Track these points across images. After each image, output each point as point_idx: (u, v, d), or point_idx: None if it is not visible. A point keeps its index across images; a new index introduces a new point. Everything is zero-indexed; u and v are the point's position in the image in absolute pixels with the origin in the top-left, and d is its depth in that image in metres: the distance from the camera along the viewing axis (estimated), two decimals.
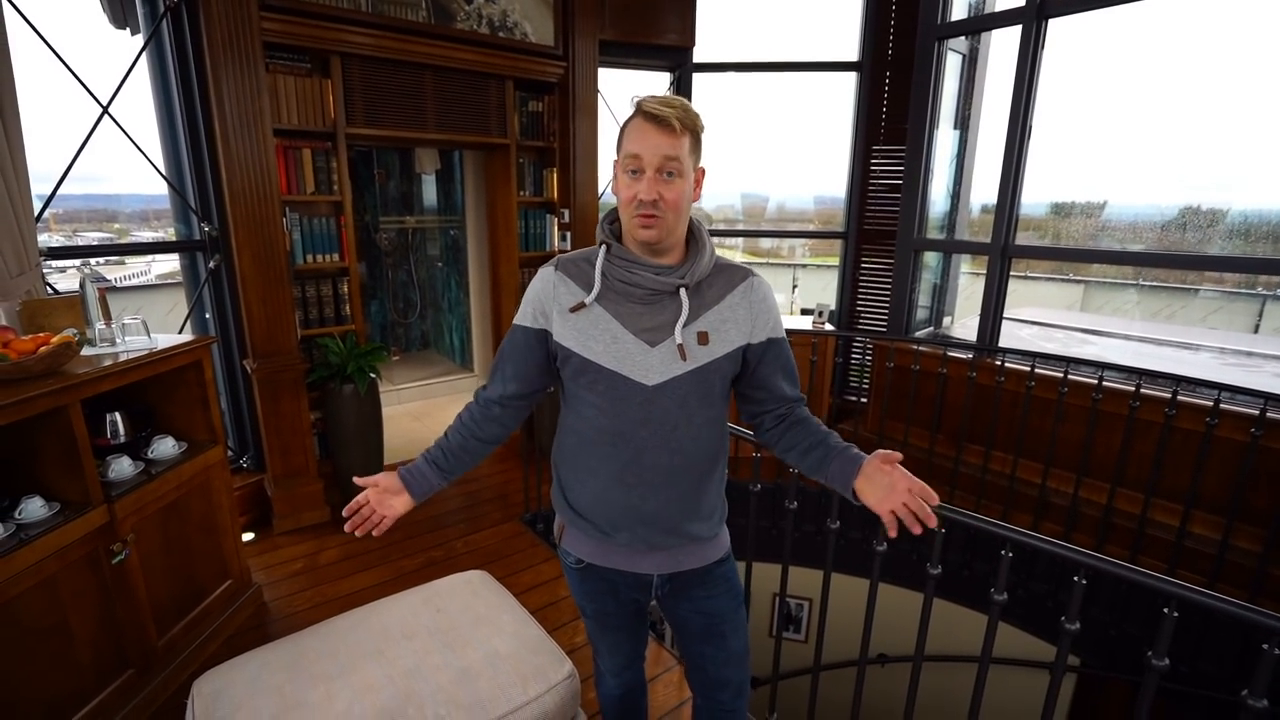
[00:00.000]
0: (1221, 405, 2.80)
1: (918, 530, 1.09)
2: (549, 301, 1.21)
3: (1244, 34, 3.50)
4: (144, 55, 2.75)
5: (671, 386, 1.16)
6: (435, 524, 3.22)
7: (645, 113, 1.09)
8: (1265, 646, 1.05)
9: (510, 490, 3.55)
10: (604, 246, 1.20)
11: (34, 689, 1.67)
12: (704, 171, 1.20)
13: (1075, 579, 1.26)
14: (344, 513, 1.30)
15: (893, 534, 1.12)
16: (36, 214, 2.30)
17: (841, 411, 4.54)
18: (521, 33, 3.50)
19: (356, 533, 1.30)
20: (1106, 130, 4.28)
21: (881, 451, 1.15)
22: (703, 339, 1.16)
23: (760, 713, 2.09)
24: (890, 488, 1.10)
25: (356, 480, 1.32)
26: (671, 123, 1.07)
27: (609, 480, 1.22)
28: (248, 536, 3.00)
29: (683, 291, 1.16)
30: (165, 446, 2.16)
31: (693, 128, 1.11)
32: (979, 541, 3.43)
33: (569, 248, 3.96)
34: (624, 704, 1.58)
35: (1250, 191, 3.73)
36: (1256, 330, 5.47)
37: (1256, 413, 2.72)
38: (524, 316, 1.25)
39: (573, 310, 1.18)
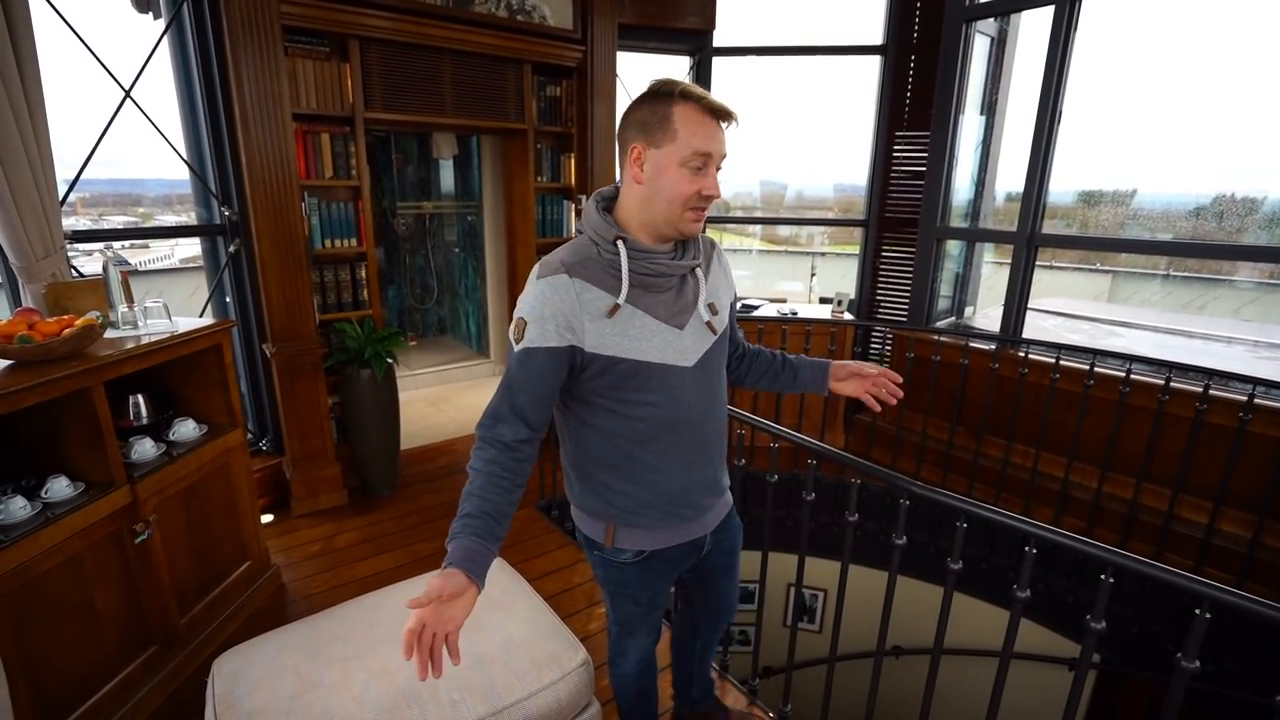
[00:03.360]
0: (1256, 400, 2.72)
1: (892, 403, 1.39)
2: (575, 312, 1.08)
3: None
4: (165, 39, 2.76)
5: (705, 360, 1.24)
6: (451, 509, 3.23)
7: (710, 108, 1.07)
8: None
9: None
10: (618, 243, 1.11)
11: (62, 663, 1.71)
12: None
13: (1102, 577, 1.22)
14: (404, 654, 0.91)
15: (876, 409, 1.40)
16: (61, 198, 2.33)
17: (859, 402, 4.48)
18: (540, 16, 3.46)
19: (428, 675, 0.92)
20: (1138, 116, 4.15)
21: (836, 363, 1.44)
22: (713, 309, 1.25)
23: (774, 703, 2.08)
24: (861, 376, 1.40)
25: (409, 604, 0.94)
26: (734, 118, 1.11)
27: (675, 467, 1.25)
28: (267, 518, 3.04)
29: (698, 271, 1.23)
30: (186, 429, 2.18)
31: None
32: (999, 535, 3.38)
33: None
34: (641, 680, 1.62)
35: None
36: None
37: None
38: (544, 336, 1.08)
39: (609, 315, 1.10)
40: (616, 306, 1.10)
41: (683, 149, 1.06)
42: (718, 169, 1.13)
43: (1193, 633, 1.11)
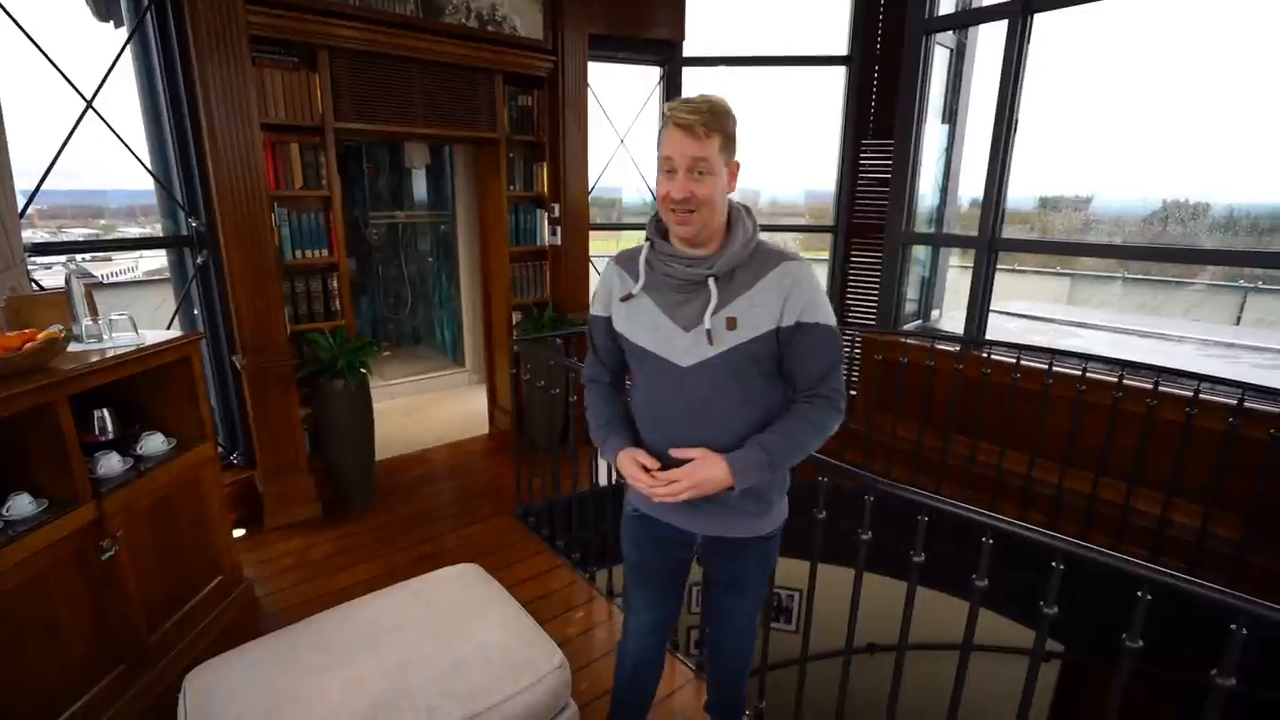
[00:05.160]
0: (1201, 395, 2.85)
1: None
2: (609, 292, 1.39)
3: (1229, 29, 3.54)
4: (128, 49, 2.72)
5: (702, 368, 1.26)
6: (427, 518, 3.23)
7: (674, 123, 1.18)
8: (1233, 627, 1.08)
9: (503, 484, 3.56)
10: (649, 242, 1.33)
11: (25, 686, 1.67)
12: (739, 165, 1.27)
13: (1053, 564, 1.29)
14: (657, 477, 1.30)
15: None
16: (20, 210, 2.29)
17: None
18: (510, 26, 3.49)
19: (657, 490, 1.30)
20: (1093, 125, 4.33)
21: (693, 452, 1.27)
22: (731, 324, 1.24)
23: (750, 702, 2.12)
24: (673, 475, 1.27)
25: (664, 492, 1.29)
26: (697, 130, 1.16)
27: (657, 446, 1.35)
28: (239, 533, 3.00)
29: (711, 281, 1.25)
30: (154, 443, 2.15)
31: (720, 129, 1.19)
32: (970, 531, 3.46)
33: (559, 242, 3.97)
34: (636, 667, 1.67)
35: (1235, 186, 3.79)
36: (1238, 322, 5.55)
37: (1235, 402, 2.77)
38: (596, 307, 1.45)
39: (623, 300, 1.35)
40: (630, 295, 1.33)
41: (659, 156, 1.22)
42: (697, 173, 1.17)
43: (1136, 613, 1.17)
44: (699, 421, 1.29)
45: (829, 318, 1.26)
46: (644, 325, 1.31)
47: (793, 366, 1.28)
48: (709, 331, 1.23)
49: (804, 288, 1.24)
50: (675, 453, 1.28)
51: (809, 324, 1.23)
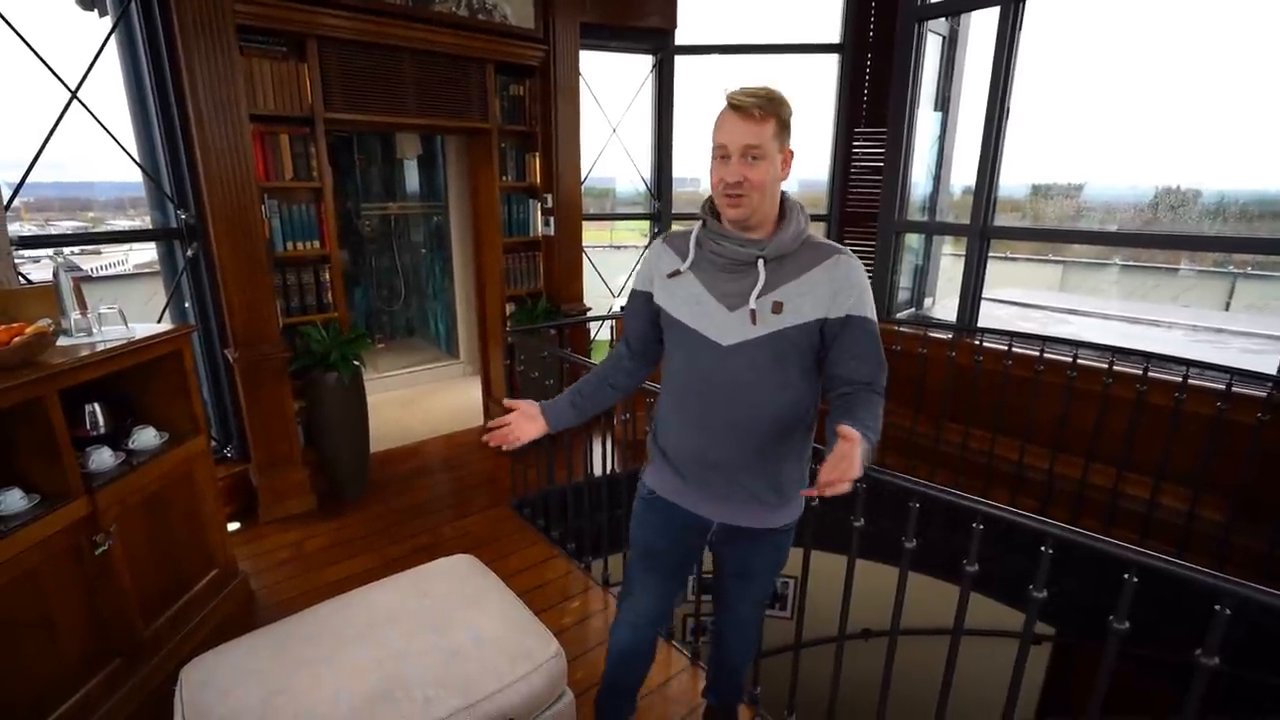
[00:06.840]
0: (1190, 381, 2.87)
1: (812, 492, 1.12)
2: (653, 269, 1.40)
3: (1220, 17, 3.54)
4: (113, 38, 2.69)
5: (743, 349, 1.26)
6: (422, 510, 3.23)
7: (730, 104, 1.18)
8: (1217, 608, 1.10)
9: (498, 475, 3.56)
10: (701, 222, 1.33)
11: (20, 680, 1.67)
12: (793, 153, 1.25)
13: (1042, 549, 1.30)
14: (487, 427, 1.53)
15: (807, 492, 1.20)
16: (6, 202, 2.26)
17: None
18: (501, 15, 3.46)
19: (493, 444, 1.52)
20: (1085, 112, 4.32)
21: (843, 429, 1.10)
22: (777, 308, 1.24)
23: (745, 688, 2.14)
24: (834, 463, 1.07)
25: (505, 402, 1.55)
26: (752, 112, 1.16)
27: (684, 427, 1.38)
28: (233, 526, 2.99)
29: (760, 262, 1.24)
30: (146, 437, 2.14)
31: (776, 114, 1.18)
32: (962, 517, 3.49)
33: (552, 233, 3.95)
34: (623, 661, 1.67)
35: (1224, 173, 3.79)
36: (1227, 307, 5.59)
37: (1223, 387, 2.79)
38: (637, 282, 1.46)
39: (669, 276, 1.35)
40: (676, 271, 1.34)
41: (712, 144, 1.23)
42: (750, 158, 1.17)
43: (1124, 595, 1.19)
44: (732, 403, 1.29)
45: (875, 313, 1.28)
46: (686, 302, 1.32)
47: (845, 361, 1.25)
48: (753, 311, 1.23)
49: (855, 283, 1.24)
50: (842, 430, 1.09)
51: (859, 318, 1.24)
